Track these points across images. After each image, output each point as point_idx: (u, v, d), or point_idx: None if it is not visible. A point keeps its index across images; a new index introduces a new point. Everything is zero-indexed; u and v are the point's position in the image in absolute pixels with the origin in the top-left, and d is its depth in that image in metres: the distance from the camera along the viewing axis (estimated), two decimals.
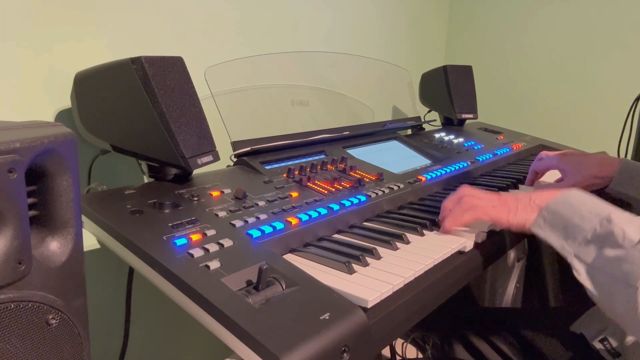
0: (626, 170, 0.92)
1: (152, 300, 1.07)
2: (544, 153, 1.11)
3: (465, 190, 0.80)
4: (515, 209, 0.74)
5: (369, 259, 0.65)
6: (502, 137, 1.57)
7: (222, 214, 0.70)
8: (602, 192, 0.96)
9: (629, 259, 0.58)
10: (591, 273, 0.62)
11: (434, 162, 1.20)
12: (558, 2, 1.78)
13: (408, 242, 0.73)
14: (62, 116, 0.90)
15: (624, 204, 0.93)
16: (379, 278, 0.60)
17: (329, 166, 0.98)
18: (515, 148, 1.47)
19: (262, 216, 0.71)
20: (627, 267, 0.57)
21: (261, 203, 0.76)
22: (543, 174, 1.11)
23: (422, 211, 0.88)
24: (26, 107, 0.85)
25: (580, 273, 0.63)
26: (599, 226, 0.63)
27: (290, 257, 0.68)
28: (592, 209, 0.66)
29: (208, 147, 0.80)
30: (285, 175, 0.90)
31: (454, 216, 0.77)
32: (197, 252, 0.58)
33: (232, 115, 0.93)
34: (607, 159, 0.97)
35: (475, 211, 0.76)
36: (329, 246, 0.70)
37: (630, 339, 0.79)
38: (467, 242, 0.75)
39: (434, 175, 1.07)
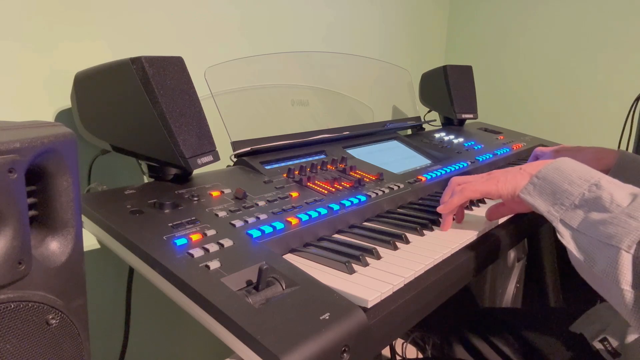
0: (623, 162, 0.90)
1: (152, 300, 1.07)
2: (539, 149, 1.11)
3: (456, 180, 0.82)
4: (505, 179, 0.74)
5: (369, 259, 0.65)
6: (502, 137, 1.57)
7: (222, 214, 0.70)
8: None
9: (615, 221, 0.56)
10: (575, 237, 0.61)
11: (434, 162, 1.20)
12: (558, 2, 1.78)
13: (408, 242, 0.73)
14: (62, 116, 0.90)
15: None
16: (379, 278, 0.60)
17: (329, 166, 0.98)
18: (515, 148, 1.47)
19: (262, 216, 0.71)
20: (611, 229, 0.55)
21: (261, 203, 0.76)
22: None
23: (422, 211, 0.88)
24: (26, 107, 0.85)
25: (564, 236, 0.62)
26: (587, 191, 0.62)
27: (290, 257, 0.68)
28: (582, 175, 0.64)
29: (208, 147, 0.80)
30: (285, 175, 0.90)
31: (447, 204, 0.79)
32: (197, 252, 0.58)
33: (232, 115, 0.93)
34: (602, 152, 0.95)
35: (464, 192, 0.77)
36: (329, 246, 0.70)
37: (630, 338, 0.79)
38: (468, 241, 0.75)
39: (434, 175, 1.07)
